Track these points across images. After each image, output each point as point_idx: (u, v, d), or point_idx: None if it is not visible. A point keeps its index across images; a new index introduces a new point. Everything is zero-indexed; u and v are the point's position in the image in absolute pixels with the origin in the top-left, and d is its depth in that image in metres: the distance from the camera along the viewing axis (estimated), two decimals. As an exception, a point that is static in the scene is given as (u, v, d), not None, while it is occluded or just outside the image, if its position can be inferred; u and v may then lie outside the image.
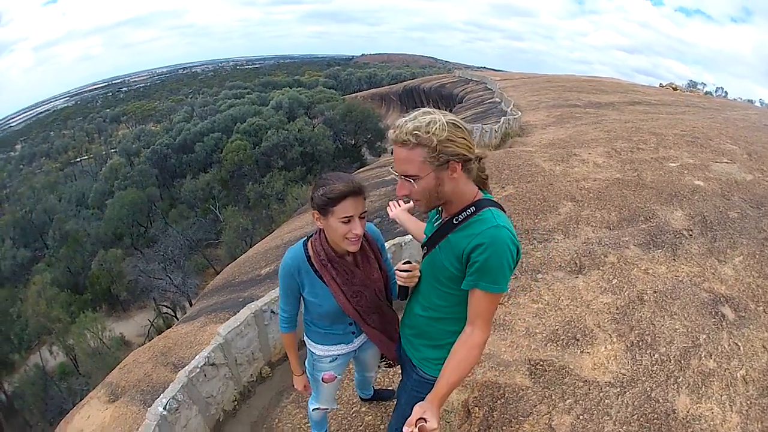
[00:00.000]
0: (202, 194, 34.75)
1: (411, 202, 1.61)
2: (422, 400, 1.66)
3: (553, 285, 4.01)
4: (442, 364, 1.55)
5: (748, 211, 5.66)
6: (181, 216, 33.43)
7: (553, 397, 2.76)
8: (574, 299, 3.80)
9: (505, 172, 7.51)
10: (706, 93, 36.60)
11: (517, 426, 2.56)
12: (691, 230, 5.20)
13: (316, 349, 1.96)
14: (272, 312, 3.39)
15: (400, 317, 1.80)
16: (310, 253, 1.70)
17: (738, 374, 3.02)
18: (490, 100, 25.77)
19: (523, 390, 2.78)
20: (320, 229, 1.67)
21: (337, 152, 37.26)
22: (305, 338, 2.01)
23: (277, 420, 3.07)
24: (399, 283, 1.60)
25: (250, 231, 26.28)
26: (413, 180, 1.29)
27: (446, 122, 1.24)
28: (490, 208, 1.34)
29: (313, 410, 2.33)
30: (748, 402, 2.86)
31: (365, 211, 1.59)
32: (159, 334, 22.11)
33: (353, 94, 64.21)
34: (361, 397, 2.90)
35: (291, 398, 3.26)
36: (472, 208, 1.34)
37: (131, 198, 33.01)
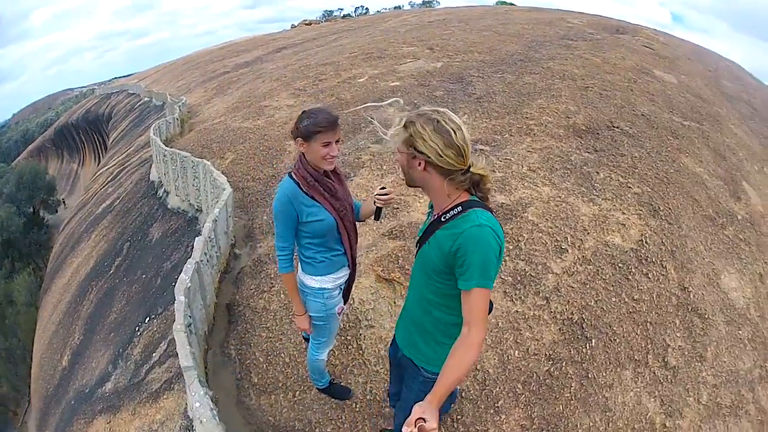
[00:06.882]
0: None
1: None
2: None
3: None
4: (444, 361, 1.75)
5: (452, 86, 7.43)
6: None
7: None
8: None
9: (213, 146, 7.66)
10: (344, 16, 41.59)
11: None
12: (409, 115, 6.60)
13: (327, 281, 2.14)
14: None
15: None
16: (299, 181, 1.98)
17: (523, 169, 4.46)
18: (140, 104, 24.11)
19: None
20: (300, 159, 1.99)
21: (25, 226, 32.69)
22: (309, 281, 2.15)
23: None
24: (377, 205, 1.95)
25: (8, 344, 20.46)
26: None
27: (429, 120, 1.37)
28: (476, 208, 1.43)
29: (320, 360, 2.47)
30: (548, 179, 4.40)
31: (339, 139, 1.95)
32: None
33: (15, 160, 55.53)
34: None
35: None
36: (459, 208, 1.45)
37: None
